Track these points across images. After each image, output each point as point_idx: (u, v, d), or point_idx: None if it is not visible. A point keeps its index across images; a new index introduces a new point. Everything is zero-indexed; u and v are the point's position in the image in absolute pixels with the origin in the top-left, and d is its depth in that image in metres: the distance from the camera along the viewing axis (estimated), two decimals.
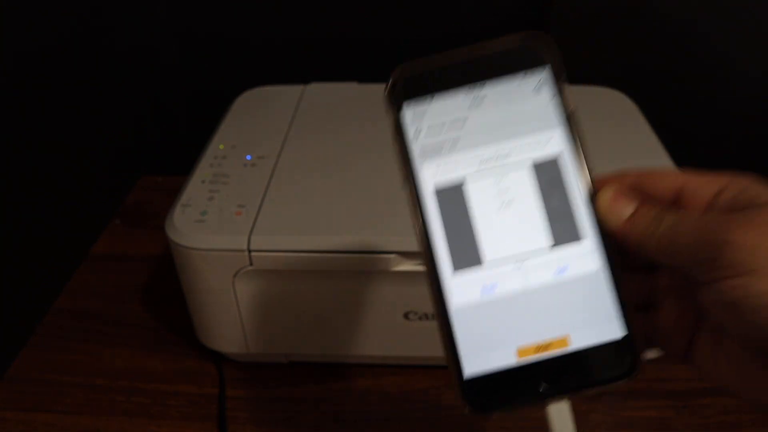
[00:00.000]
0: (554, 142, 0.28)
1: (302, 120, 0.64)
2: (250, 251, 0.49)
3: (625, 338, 0.25)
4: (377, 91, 0.72)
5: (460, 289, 0.27)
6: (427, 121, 0.28)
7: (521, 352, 0.26)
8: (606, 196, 0.27)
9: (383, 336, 0.54)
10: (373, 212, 0.51)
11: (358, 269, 0.49)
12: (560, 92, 0.28)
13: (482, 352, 0.26)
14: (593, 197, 0.27)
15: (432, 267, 0.27)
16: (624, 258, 0.27)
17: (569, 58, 0.77)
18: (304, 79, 0.72)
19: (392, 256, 0.48)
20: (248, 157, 0.58)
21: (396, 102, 0.28)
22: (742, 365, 0.24)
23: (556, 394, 0.26)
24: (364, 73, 0.75)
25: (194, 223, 0.50)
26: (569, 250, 0.27)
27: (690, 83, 0.74)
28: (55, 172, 0.68)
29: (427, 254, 0.27)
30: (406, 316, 0.52)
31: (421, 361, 0.58)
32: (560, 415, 0.25)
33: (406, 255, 0.49)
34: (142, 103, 0.82)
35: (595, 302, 0.26)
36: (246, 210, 0.51)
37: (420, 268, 0.48)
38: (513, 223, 0.27)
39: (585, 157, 0.28)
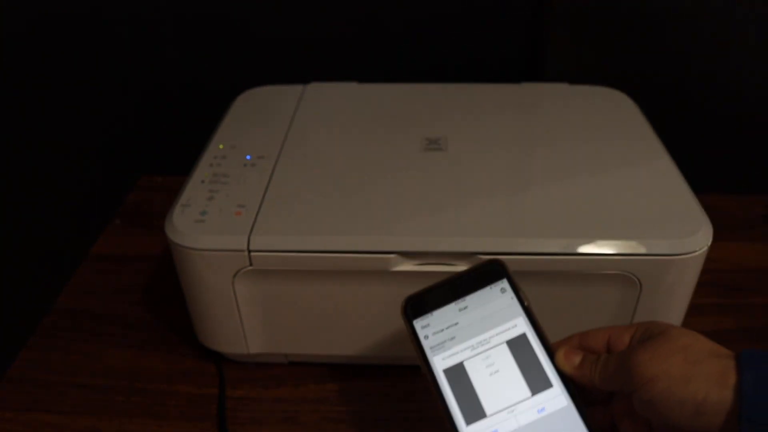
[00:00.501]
0: (519, 326, 0.40)
1: (302, 120, 0.64)
2: (249, 251, 0.48)
3: None
4: (377, 90, 0.72)
5: None
6: (431, 328, 0.40)
7: None
8: (560, 354, 0.38)
9: (383, 336, 0.54)
10: (373, 212, 0.50)
11: (358, 269, 0.49)
12: (516, 293, 0.40)
13: None
14: (552, 357, 0.38)
15: (451, 424, 0.37)
16: (584, 394, 0.37)
17: (570, 58, 0.77)
18: (304, 79, 0.72)
19: (392, 256, 0.48)
20: (248, 157, 0.58)
21: (408, 319, 0.41)
22: None
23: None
24: (364, 73, 0.76)
25: (194, 223, 0.50)
26: (544, 395, 0.37)
27: (690, 83, 0.74)
28: (55, 172, 0.68)
29: (446, 415, 0.37)
30: None
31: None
32: None
33: (406, 255, 0.49)
34: (141, 102, 0.82)
35: (569, 427, 0.36)
36: (246, 210, 0.51)
37: (420, 268, 0.49)
38: (502, 385, 0.38)
39: (541, 332, 0.39)
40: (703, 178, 0.64)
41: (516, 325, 0.39)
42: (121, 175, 0.84)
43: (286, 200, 0.52)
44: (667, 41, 0.72)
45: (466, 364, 0.39)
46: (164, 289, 0.68)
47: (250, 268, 0.49)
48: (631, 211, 0.50)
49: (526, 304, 0.40)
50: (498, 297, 0.41)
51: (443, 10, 0.75)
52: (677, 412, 0.31)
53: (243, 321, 0.53)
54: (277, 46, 0.78)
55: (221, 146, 0.60)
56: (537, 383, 0.37)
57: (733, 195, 0.81)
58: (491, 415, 0.37)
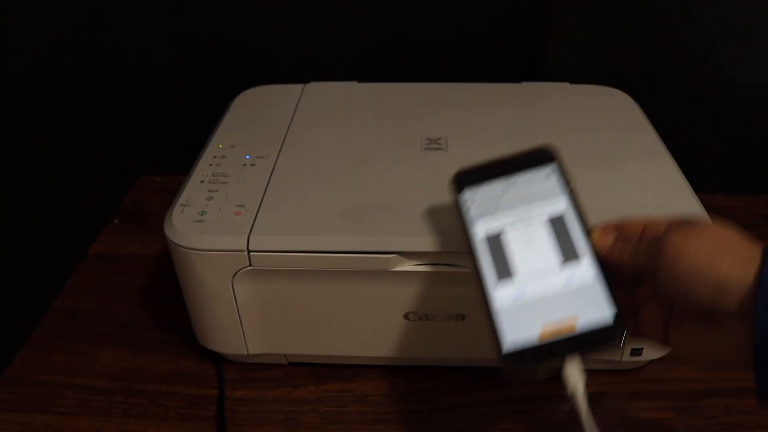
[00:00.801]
0: (560, 205, 0.41)
1: (302, 119, 0.64)
2: (249, 251, 0.48)
3: (614, 320, 0.36)
4: (377, 90, 0.72)
5: (501, 295, 0.38)
6: (476, 200, 0.42)
7: (542, 335, 0.36)
8: (596, 232, 0.39)
9: (383, 336, 0.54)
10: (373, 212, 0.50)
11: (358, 269, 0.49)
12: (564, 176, 0.42)
13: (514, 334, 0.37)
14: (589, 234, 0.39)
15: (482, 283, 0.39)
16: (613, 274, 0.38)
17: (570, 58, 0.77)
18: (304, 78, 0.72)
19: (392, 256, 0.48)
20: (247, 157, 0.57)
21: (457, 189, 0.43)
22: (695, 332, 0.36)
23: (566, 359, 0.36)
24: (364, 73, 0.75)
25: (193, 223, 0.50)
26: (573, 267, 0.38)
27: (691, 82, 0.74)
28: (54, 172, 0.67)
29: (478, 275, 0.39)
30: (406, 316, 0.52)
31: (421, 362, 0.58)
32: (573, 374, 0.36)
33: (406, 255, 0.48)
34: (141, 102, 0.82)
35: (592, 298, 0.37)
36: (245, 210, 0.51)
37: (420, 268, 0.49)
38: (534, 254, 0.39)
39: (581, 212, 0.40)
40: (704, 178, 0.64)
41: (557, 204, 0.41)
42: (120, 175, 0.84)
43: (285, 200, 0.52)
44: (668, 40, 0.72)
45: (504, 234, 0.40)
46: (163, 290, 0.67)
47: (250, 268, 0.49)
48: (631, 210, 0.49)
49: (570, 186, 0.41)
50: (544, 178, 0.42)
51: (443, 11, 0.75)
52: (699, 289, 0.32)
53: (242, 321, 0.53)
54: (277, 46, 0.78)
55: (220, 146, 0.59)
56: (568, 256, 0.39)
57: (735, 195, 0.80)
58: (521, 277, 0.39)
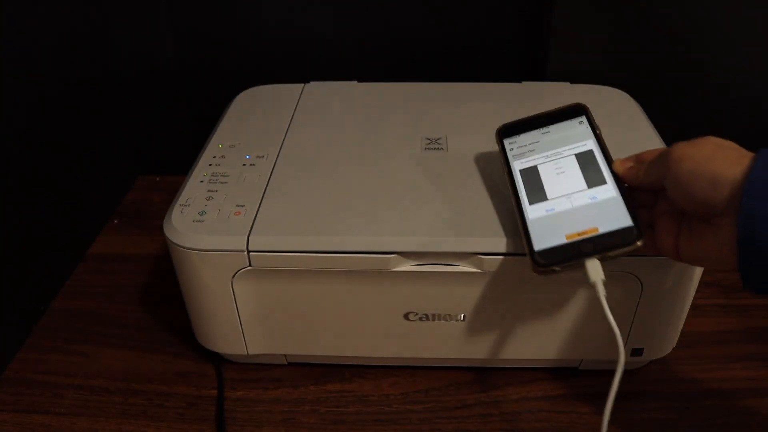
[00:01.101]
0: (588, 145, 0.48)
1: (301, 119, 0.64)
2: (249, 251, 0.48)
3: (633, 225, 0.42)
4: (377, 89, 0.72)
5: (533, 210, 0.46)
6: (516, 144, 0.51)
7: (568, 236, 0.43)
8: (617, 161, 0.46)
9: (383, 336, 0.54)
10: (373, 212, 0.50)
11: (358, 269, 0.49)
12: (591, 123, 0.49)
13: (545, 238, 0.44)
14: (611, 164, 0.46)
15: (518, 203, 0.47)
16: (634, 196, 0.44)
17: (570, 58, 0.77)
18: (304, 78, 0.72)
19: (392, 256, 0.48)
20: (247, 157, 0.57)
21: (500, 137, 0.52)
22: (700, 235, 0.40)
23: (590, 256, 0.42)
24: (364, 73, 0.75)
25: (193, 223, 0.50)
26: (597, 188, 0.45)
27: (691, 82, 0.74)
28: (54, 172, 0.67)
29: (515, 200, 0.47)
30: (406, 316, 0.52)
31: (421, 362, 0.58)
32: (594, 268, 0.42)
33: (406, 255, 0.48)
34: (141, 102, 0.82)
35: (613, 211, 0.43)
36: (245, 210, 0.51)
37: (420, 268, 0.49)
38: (564, 180, 0.47)
39: (605, 150, 0.47)
40: None
41: (586, 144, 0.48)
42: (120, 175, 0.84)
43: (285, 200, 0.52)
44: (668, 40, 0.72)
45: (539, 167, 0.48)
46: (163, 290, 0.67)
47: (250, 268, 0.49)
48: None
49: (598, 132, 0.48)
50: (575, 126, 0.50)
51: (443, 11, 0.74)
52: (698, 184, 0.37)
53: (242, 322, 0.53)
54: (277, 46, 0.78)
55: (220, 146, 0.59)
56: (594, 181, 0.45)
57: None
58: (551, 198, 0.46)
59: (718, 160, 0.37)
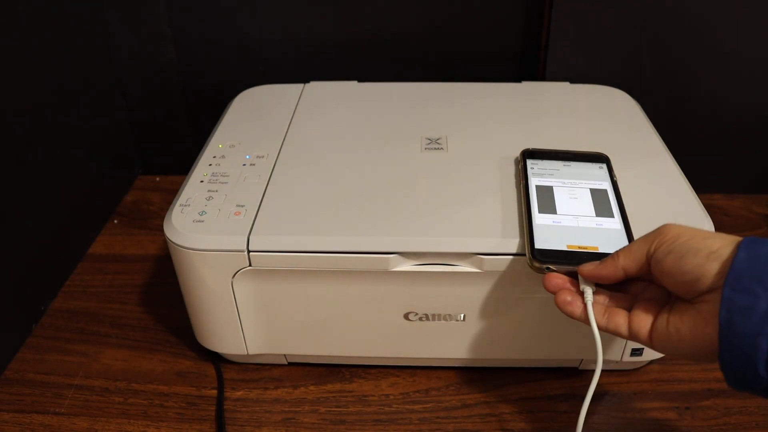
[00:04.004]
0: (603, 185, 0.51)
1: (301, 119, 0.64)
2: (249, 251, 0.48)
3: None
4: (377, 90, 0.72)
5: (541, 218, 0.48)
6: (538, 166, 0.53)
7: (569, 246, 0.45)
8: (586, 264, 0.44)
9: (383, 336, 0.54)
10: (373, 212, 0.50)
11: (358, 269, 0.49)
12: (610, 171, 0.53)
13: (547, 241, 0.46)
14: (623, 214, 0.49)
15: (528, 209, 0.49)
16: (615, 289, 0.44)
17: (570, 58, 0.77)
18: (305, 78, 0.72)
19: (392, 256, 0.48)
20: (247, 157, 0.57)
21: (524, 157, 0.54)
22: (679, 318, 0.38)
23: (585, 263, 0.43)
24: (364, 73, 0.75)
25: (193, 223, 0.50)
26: (604, 219, 0.48)
27: (691, 82, 0.74)
28: (54, 171, 0.67)
29: (526, 203, 0.49)
30: (406, 316, 0.52)
31: (421, 362, 0.58)
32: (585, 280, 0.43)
33: (406, 255, 0.48)
34: (141, 102, 0.82)
35: (615, 239, 0.46)
36: (245, 210, 0.51)
37: (420, 268, 0.49)
38: (575, 204, 0.49)
39: (618, 195, 0.50)
40: (704, 178, 0.63)
41: (601, 185, 0.51)
42: (120, 175, 0.84)
43: (285, 200, 0.52)
44: (668, 40, 0.72)
45: (554, 188, 0.51)
46: (163, 290, 0.67)
47: (250, 268, 0.49)
48: (632, 210, 0.49)
49: (614, 179, 0.52)
50: (595, 169, 0.53)
51: (443, 11, 0.74)
52: (691, 257, 0.37)
53: (242, 322, 0.53)
54: (277, 46, 0.78)
55: (220, 146, 0.59)
56: (602, 212, 0.48)
57: (736, 195, 0.80)
58: (560, 213, 0.48)
59: (717, 239, 0.37)
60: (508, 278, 0.49)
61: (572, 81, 0.70)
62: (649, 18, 0.70)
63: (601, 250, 0.44)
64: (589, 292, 0.42)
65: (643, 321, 0.40)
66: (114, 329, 0.63)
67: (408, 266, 0.49)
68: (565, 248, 0.45)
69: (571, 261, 0.44)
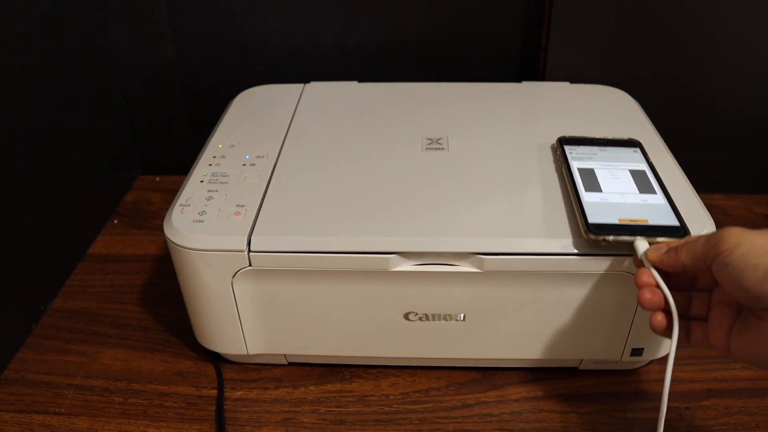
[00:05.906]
0: (641, 167, 0.53)
1: (302, 119, 0.64)
2: (249, 252, 0.48)
3: (678, 226, 0.47)
4: (377, 90, 0.72)
5: (589, 196, 0.50)
6: (576, 151, 0.55)
7: (620, 220, 0.47)
8: (652, 248, 0.44)
9: (383, 336, 0.54)
10: (374, 212, 0.50)
11: (358, 269, 0.49)
12: (645, 155, 0.55)
13: (599, 216, 0.48)
14: (664, 189, 0.51)
15: (575, 189, 0.50)
16: (673, 282, 0.43)
17: (570, 58, 0.77)
18: (305, 78, 0.72)
19: (392, 256, 0.48)
20: (247, 157, 0.57)
21: (561, 143, 0.56)
22: (754, 332, 0.38)
23: (640, 236, 0.45)
24: (364, 73, 0.75)
25: (193, 223, 0.50)
26: (648, 195, 0.50)
27: (692, 81, 0.74)
28: (53, 171, 0.67)
29: (573, 189, 0.51)
30: (406, 316, 0.52)
31: (421, 362, 0.58)
32: (642, 246, 0.44)
33: (406, 255, 0.48)
34: (141, 102, 0.82)
35: (662, 212, 0.48)
36: (245, 210, 0.51)
37: (420, 268, 0.49)
38: (618, 184, 0.51)
39: (657, 175, 0.52)
40: (704, 178, 0.63)
41: (639, 166, 0.53)
42: (120, 175, 0.84)
43: (285, 200, 0.52)
44: (668, 40, 0.72)
45: (596, 170, 0.53)
46: (163, 290, 0.67)
47: (250, 268, 0.49)
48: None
49: (650, 162, 0.54)
50: (631, 153, 0.55)
51: (443, 11, 0.74)
52: (748, 275, 0.35)
53: (242, 322, 0.53)
54: (277, 46, 0.78)
55: (220, 146, 0.59)
56: (645, 189, 0.50)
57: (736, 194, 0.80)
58: (605, 192, 0.50)
59: None
60: (508, 278, 0.49)
61: (572, 81, 0.70)
62: (649, 18, 0.70)
63: (651, 222, 0.47)
64: (647, 261, 0.43)
65: (720, 337, 0.40)
66: (114, 329, 0.63)
67: (408, 266, 0.49)
68: (617, 221, 0.47)
69: (625, 232, 0.46)
